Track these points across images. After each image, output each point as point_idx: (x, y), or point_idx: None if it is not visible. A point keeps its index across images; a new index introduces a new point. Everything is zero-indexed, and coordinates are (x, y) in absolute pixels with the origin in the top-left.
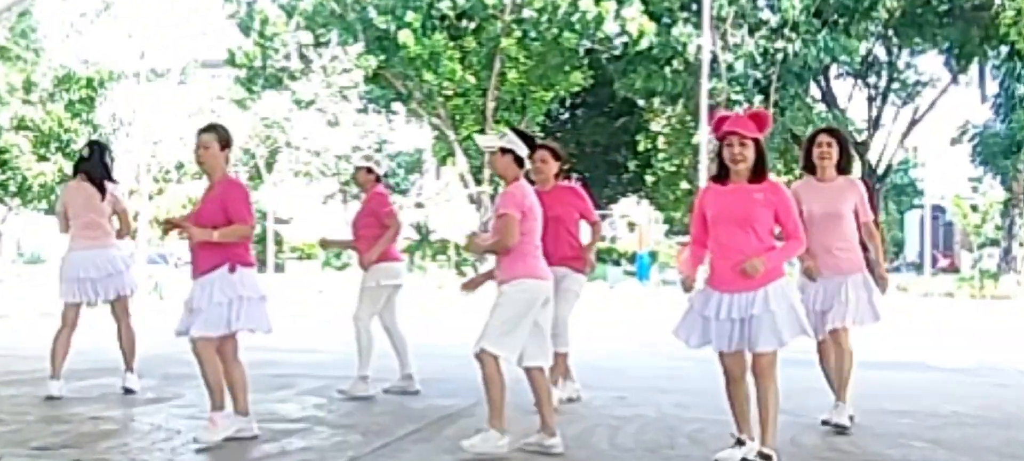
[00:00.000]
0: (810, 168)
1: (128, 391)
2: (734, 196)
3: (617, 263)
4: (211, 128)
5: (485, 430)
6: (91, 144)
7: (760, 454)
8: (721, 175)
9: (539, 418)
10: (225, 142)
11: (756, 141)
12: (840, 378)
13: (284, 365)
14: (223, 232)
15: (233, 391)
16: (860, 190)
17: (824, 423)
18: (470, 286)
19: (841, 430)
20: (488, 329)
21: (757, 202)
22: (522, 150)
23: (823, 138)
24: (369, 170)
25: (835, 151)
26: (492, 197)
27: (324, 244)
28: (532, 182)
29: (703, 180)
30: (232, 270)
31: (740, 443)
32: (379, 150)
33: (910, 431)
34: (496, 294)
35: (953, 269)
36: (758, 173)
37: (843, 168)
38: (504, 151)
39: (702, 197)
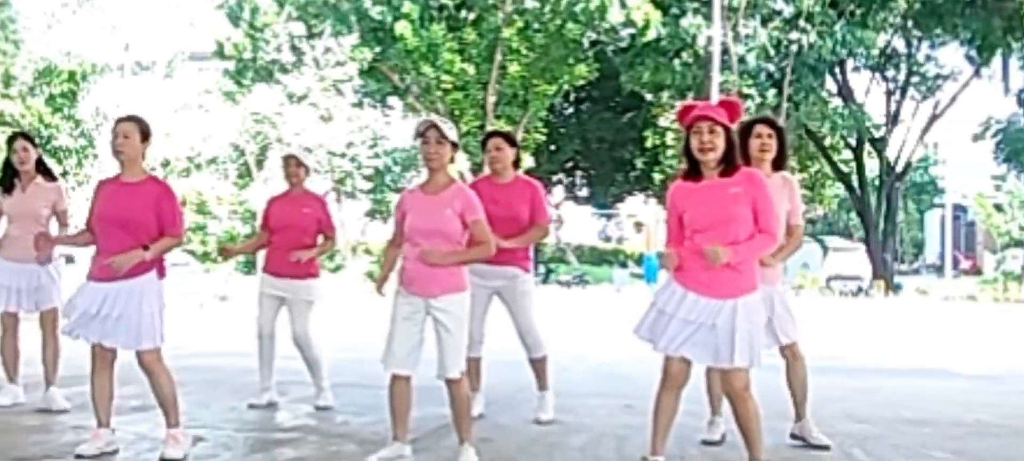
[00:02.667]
0: (746, 161)
1: (48, 410)
2: (710, 194)
3: (623, 265)
4: (132, 118)
5: (466, 448)
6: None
7: None
8: (693, 171)
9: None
10: (146, 134)
11: (726, 129)
12: (803, 392)
13: (274, 372)
14: (157, 246)
15: (105, 406)
16: (794, 188)
17: (793, 436)
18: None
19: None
20: (460, 349)
21: (735, 198)
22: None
23: (763, 129)
24: (301, 163)
25: (775, 144)
26: None
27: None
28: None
29: None
30: (162, 275)
31: None
32: (372, 147)
33: (931, 442)
34: (443, 313)
35: (975, 271)
36: (729, 164)
37: (779, 164)
38: (454, 144)
39: (673, 196)
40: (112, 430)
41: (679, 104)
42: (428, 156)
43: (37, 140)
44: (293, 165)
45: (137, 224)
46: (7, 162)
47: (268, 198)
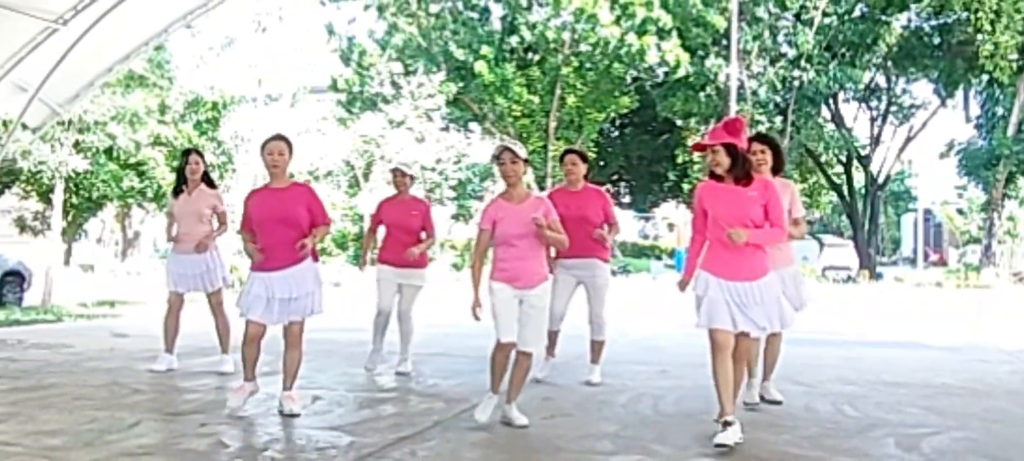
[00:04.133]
0: None
1: (222, 374)
2: (730, 195)
3: (659, 258)
4: (283, 137)
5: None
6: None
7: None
8: (716, 176)
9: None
10: (291, 149)
11: (728, 145)
12: (774, 360)
13: (385, 341)
14: (317, 234)
15: (252, 365)
16: (792, 189)
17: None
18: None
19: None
20: (541, 331)
21: (751, 200)
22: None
23: (757, 146)
24: (410, 176)
25: (770, 157)
26: None
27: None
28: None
29: None
30: (316, 260)
31: (728, 424)
32: (457, 163)
33: (906, 400)
34: (533, 298)
35: (942, 263)
36: (742, 170)
37: (777, 170)
38: (526, 160)
39: (700, 193)
40: (256, 384)
41: (691, 142)
42: (506, 174)
43: (203, 154)
44: (399, 176)
45: (293, 220)
46: (180, 172)
47: (379, 200)
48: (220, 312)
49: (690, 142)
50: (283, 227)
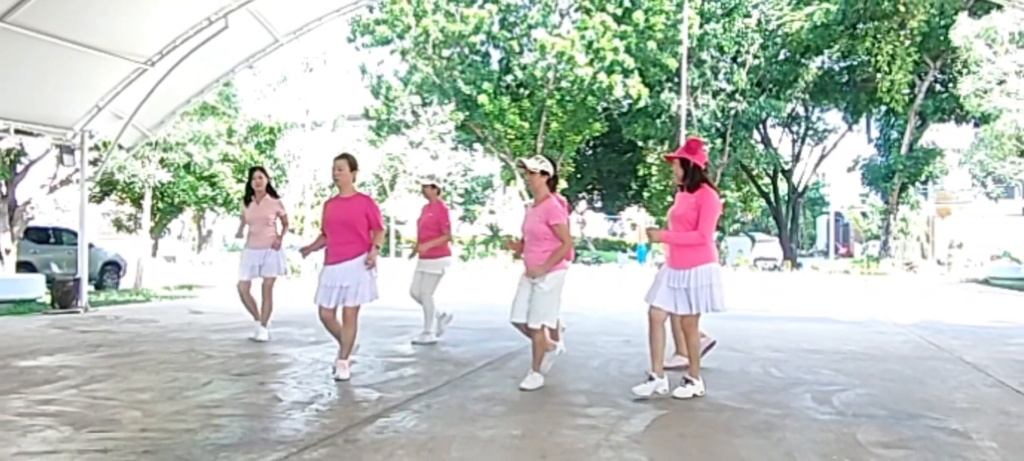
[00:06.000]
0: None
1: (256, 341)
2: (681, 200)
3: (624, 251)
4: (344, 155)
5: (533, 373)
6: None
7: (684, 378)
8: (681, 186)
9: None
10: (353, 166)
11: (682, 160)
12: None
13: (401, 319)
14: (376, 240)
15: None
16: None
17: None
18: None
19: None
20: (539, 312)
21: (690, 205)
22: (551, 173)
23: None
24: (434, 186)
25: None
26: None
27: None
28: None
29: None
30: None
31: (651, 379)
32: (464, 175)
33: (820, 363)
34: (541, 282)
35: (849, 255)
36: (692, 180)
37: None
38: (543, 173)
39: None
40: (353, 361)
41: (664, 155)
42: (528, 184)
43: (266, 170)
44: (426, 188)
45: (353, 223)
46: (248, 185)
47: (422, 207)
48: (269, 295)
49: (650, 159)
50: (343, 229)
